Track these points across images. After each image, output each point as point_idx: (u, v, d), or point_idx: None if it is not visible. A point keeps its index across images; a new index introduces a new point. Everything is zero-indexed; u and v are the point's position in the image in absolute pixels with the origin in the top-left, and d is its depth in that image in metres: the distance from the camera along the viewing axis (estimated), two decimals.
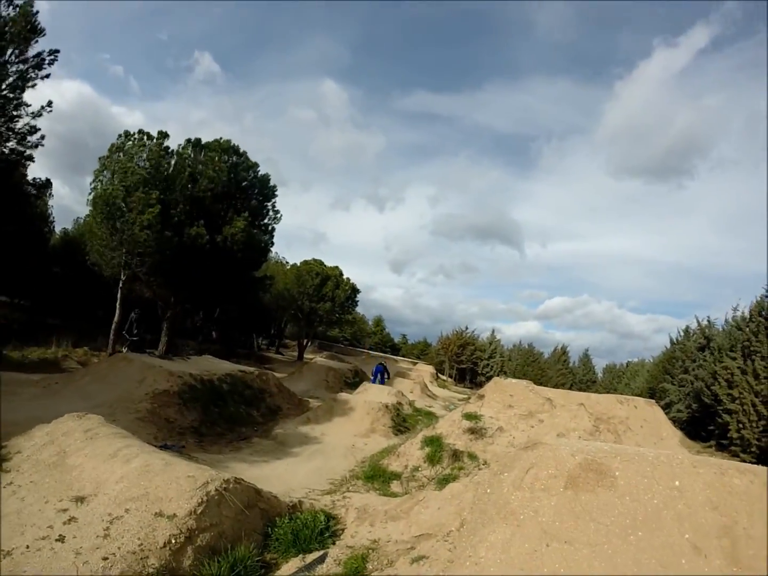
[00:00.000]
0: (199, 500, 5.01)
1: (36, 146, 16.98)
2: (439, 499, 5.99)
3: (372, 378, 26.16)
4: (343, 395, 16.38)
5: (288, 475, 9.43)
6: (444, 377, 51.57)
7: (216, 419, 12.47)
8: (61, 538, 4.61)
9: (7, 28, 15.22)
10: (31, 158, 17.22)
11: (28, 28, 15.68)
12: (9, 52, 15.53)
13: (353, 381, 26.71)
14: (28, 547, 4.49)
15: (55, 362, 16.79)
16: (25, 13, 15.56)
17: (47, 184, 19.77)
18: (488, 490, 4.40)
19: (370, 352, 55.51)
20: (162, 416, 11.26)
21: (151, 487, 5.17)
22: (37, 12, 15.99)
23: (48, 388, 12.50)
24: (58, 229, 30.24)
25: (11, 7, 15.45)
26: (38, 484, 5.62)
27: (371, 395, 17.66)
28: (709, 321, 30.06)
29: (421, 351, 70.33)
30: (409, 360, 54.54)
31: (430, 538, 5.15)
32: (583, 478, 3.80)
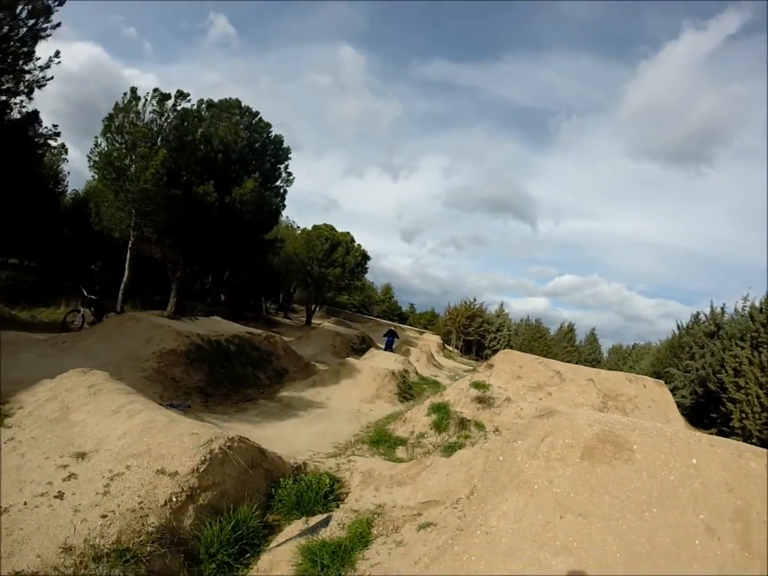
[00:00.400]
0: (202, 458, 4.89)
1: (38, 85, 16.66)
2: (448, 466, 5.87)
3: (385, 347, 27.28)
4: (350, 360, 16.34)
5: (292, 437, 9.37)
6: (450, 348, 51.78)
7: (222, 380, 12.43)
8: (60, 495, 4.51)
9: None
10: (35, 116, 16.99)
11: None
12: (20, 7, 15.23)
13: (360, 347, 26.81)
14: (26, 503, 4.39)
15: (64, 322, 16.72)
16: None
17: (56, 135, 19.13)
18: (501, 458, 4.28)
19: (378, 319, 55.60)
20: (168, 375, 11.21)
21: (153, 444, 5.06)
22: None
23: (55, 347, 12.44)
24: (69, 191, 30.29)
25: None
26: (39, 439, 5.53)
27: (378, 361, 17.65)
28: (722, 309, 29.94)
29: (428, 321, 70.73)
30: (416, 329, 54.62)
31: (438, 504, 5.03)
32: (600, 450, 3.68)
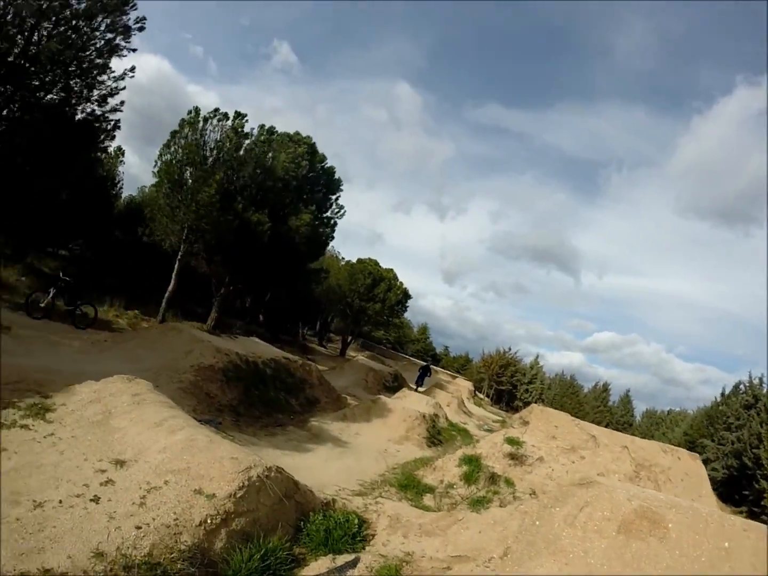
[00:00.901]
0: (240, 484, 4.90)
1: (114, 110, 17.05)
2: (480, 522, 5.75)
3: (417, 380, 28.66)
4: (382, 398, 16.23)
5: (319, 470, 9.30)
6: (481, 396, 51.04)
7: (255, 402, 12.46)
8: (95, 499, 4.54)
9: None
10: (109, 123, 17.35)
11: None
12: (99, 19, 15.65)
13: (392, 385, 26.62)
14: (60, 502, 4.43)
15: (106, 321, 16.98)
16: None
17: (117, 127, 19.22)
18: (537, 522, 4.22)
19: (412, 359, 55.20)
20: (204, 390, 11.28)
21: (193, 463, 5.09)
22: None
23: (95, 345, 12.65)
24: (124, 195, 30.93)
25: None
26: (79, 439, 5.59)
27: (409, 402, 17.48)
28: (761, 379, 29.00)
29: (461, 365, 69.92)
30: (449, 373, 54.06)
31: (469, 561, 4.92)
32: (637, 525, 3.65)
